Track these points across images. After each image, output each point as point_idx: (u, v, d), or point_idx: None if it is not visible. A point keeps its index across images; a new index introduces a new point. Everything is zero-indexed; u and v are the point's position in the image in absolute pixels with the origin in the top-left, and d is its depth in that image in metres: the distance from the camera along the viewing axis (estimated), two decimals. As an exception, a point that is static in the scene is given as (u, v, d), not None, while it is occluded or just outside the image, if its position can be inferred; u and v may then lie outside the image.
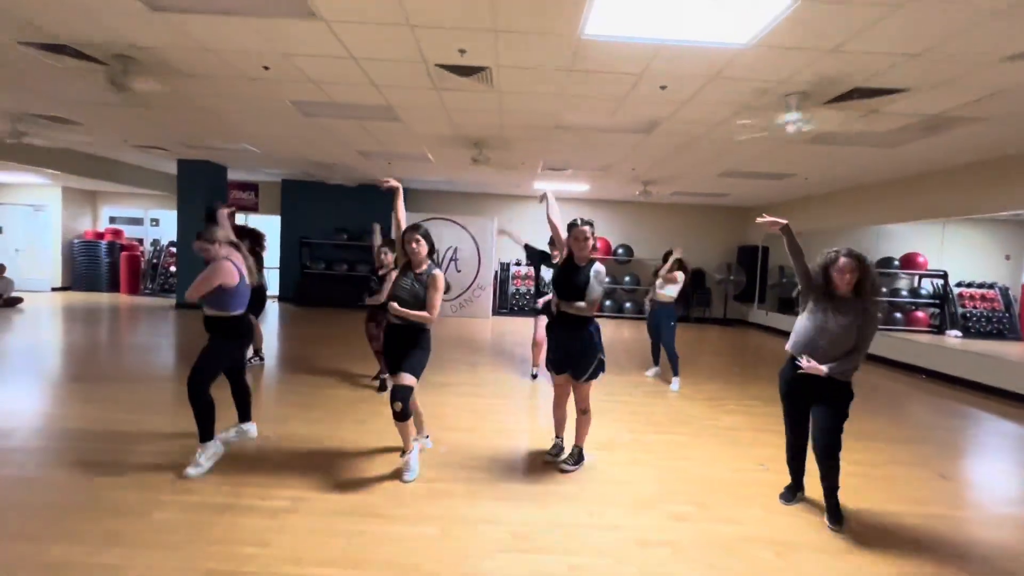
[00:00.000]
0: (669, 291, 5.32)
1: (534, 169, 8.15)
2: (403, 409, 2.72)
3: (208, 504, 2.46)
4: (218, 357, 2.96)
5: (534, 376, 5.29)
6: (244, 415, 3.31)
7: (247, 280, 3.02)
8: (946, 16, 2.81)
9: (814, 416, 2.66)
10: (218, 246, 2.95)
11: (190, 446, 2.94)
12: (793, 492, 2.86)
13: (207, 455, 2.84)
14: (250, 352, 5.35)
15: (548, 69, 3.90)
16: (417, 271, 2.89)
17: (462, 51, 3.63)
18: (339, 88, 4.61)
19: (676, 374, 5.32)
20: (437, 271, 2.92)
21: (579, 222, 3.00)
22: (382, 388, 4.60)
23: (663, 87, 4.14)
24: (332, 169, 9.18)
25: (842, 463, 2.62)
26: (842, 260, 2.52)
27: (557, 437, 3.31)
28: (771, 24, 3.00)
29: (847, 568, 2.24)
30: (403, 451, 2.96)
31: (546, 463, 3.17)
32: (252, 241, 4.89)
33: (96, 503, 2.41)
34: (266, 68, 4.18)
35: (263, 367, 5.34)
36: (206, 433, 2.85)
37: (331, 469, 2.92)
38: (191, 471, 2.75)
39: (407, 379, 2.76)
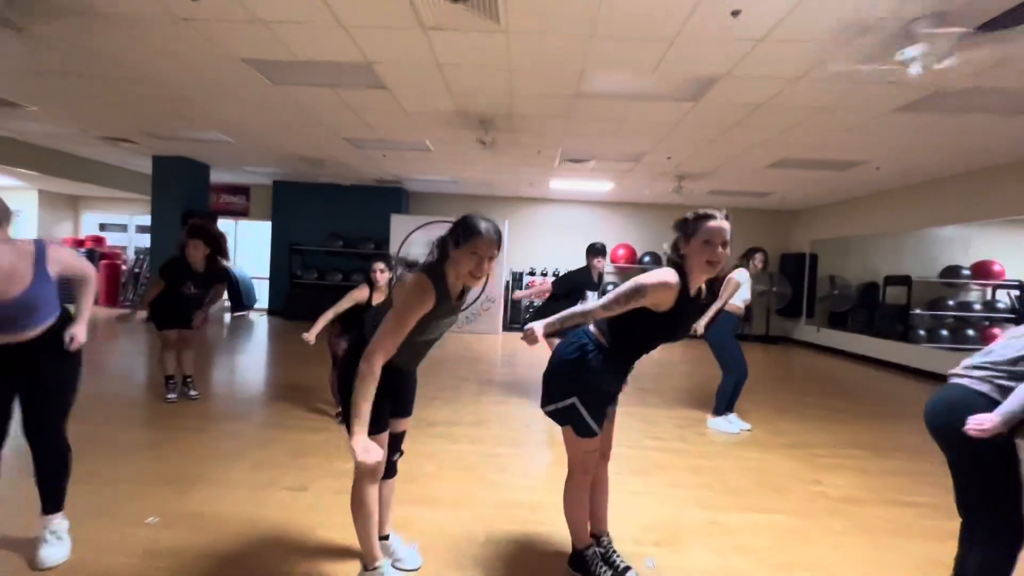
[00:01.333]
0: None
1: (551, 161, 7.00)
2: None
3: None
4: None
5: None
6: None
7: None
8: None
9: None
10: None
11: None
12: None
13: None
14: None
15: (575, -17, 2.76)
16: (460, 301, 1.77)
17: (451, -53, 2.51)
18: (295, 31, 3.52)
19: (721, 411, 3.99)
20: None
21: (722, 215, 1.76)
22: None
23: (735, 12, 2.96)
24: (322, 165, 8.15)
25: None
26: None
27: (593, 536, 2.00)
28: None
29: None
30: (364, 567, 1.77)
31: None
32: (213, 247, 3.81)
33: None
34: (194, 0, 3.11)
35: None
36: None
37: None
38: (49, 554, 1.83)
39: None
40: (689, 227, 1.74)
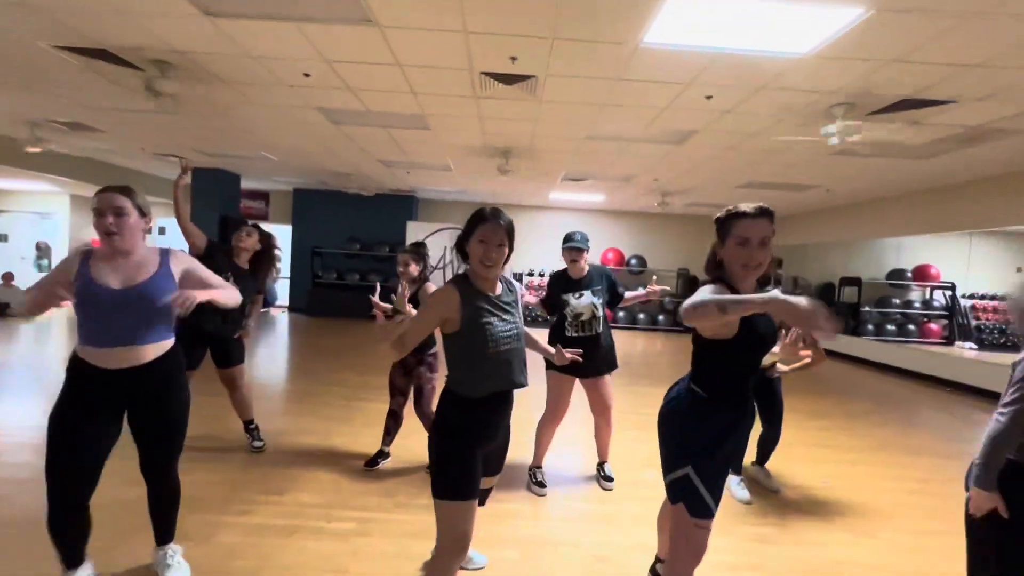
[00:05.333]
0: None
1: (554, 179, 8.12)
2: None
3: (272, 527, 2.34)
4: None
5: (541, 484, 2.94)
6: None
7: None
8: (1019, 26, 2.79)
9: None
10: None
11: (233, 460, 2.76)
12: None
13: None
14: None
15: (596, 79, 3.86)
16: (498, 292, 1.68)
17: (513, 59, 3.58)
18: (375, 95, 4.55)
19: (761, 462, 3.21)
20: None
21: None
22: (373, 463, 3.05)
23: (709, 97, 4.11)
24: (349, 178, 9.11)
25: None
26: None
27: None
28: (837, 34, 2.97)
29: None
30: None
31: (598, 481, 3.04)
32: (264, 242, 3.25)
33: (148, 524, 2.18)
34: (307, 75, 4.12)
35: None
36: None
37: (391, 488, 2.80)
38: None
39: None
40: (722, 227, 1.53)
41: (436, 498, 1.52)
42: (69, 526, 1.71)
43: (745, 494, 2.92)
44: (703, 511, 1.52)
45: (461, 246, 1.63)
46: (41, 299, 1.66)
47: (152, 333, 1.74)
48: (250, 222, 3.24)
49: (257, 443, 3.26)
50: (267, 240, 3.19)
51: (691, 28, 3.02)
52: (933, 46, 3.05)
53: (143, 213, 1.76)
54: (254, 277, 3.16)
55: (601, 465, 3.12)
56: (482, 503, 1.81)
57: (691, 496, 1.52)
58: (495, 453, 1.72)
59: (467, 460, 1.53)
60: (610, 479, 3.04)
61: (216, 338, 3.08)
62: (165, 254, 1.82)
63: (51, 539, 1.71)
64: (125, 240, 1.71)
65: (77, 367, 1.70)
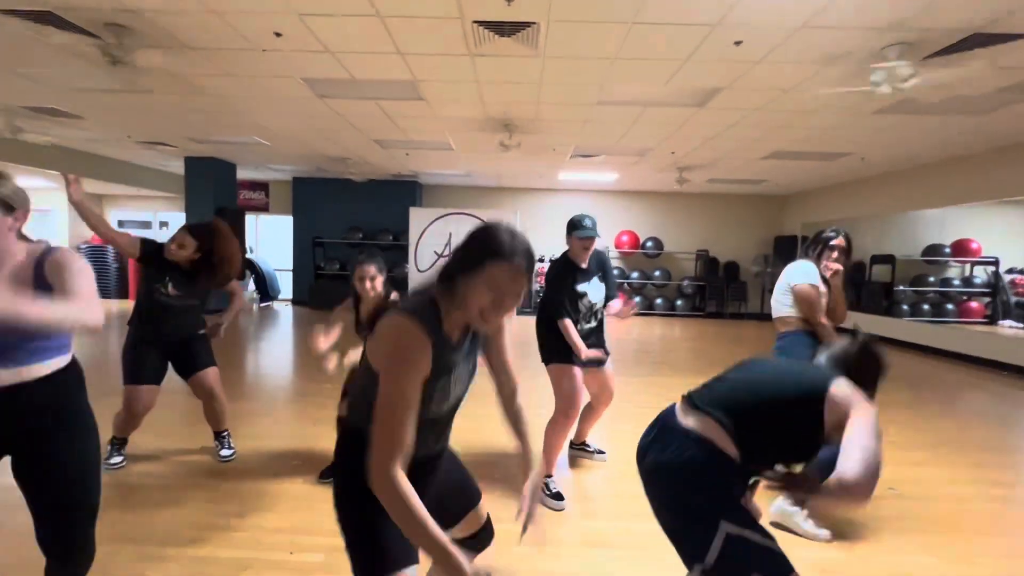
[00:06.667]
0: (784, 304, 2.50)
1: (563, 157, 7.57)
2: None
3: (221, 560, 1.92)
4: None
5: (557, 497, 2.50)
6: None
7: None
8: None
9: None
10: None
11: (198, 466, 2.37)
12: None
13: None
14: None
15: (606, 23, 3.33)
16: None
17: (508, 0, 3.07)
18: (358, 59, 4.06)
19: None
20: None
21: None
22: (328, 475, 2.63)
23: (738, 42, 3.55)
24: (346, 163, 8.66)
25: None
26: None
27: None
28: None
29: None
30: None
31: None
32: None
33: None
34: (278, 35, 3.65)
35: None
36: None
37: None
38: None
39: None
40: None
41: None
42: None
43: (823, 532, 2.20)
44: (776, 562, 1.16)
45: (451, 275, 1.07)
46: None
47: (36, 347, 1.28)
48: (187, 225, 2.67)
49: (225, 451, 2.85)
50: (207, 248, 2.57)
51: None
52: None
53: (9, 208, 1.25)
54: (202, 272, 2.61)
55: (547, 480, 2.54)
56: (482, 547, 1.36)
57: (751, 553, 1.15)
58: (446, 491, 1.24)
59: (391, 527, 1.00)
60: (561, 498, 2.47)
61: (172, 342, 2.67)
62: (42, 259, 1.30)
63: None
64: None
65: None
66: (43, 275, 1.27)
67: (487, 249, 1.04)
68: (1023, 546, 2.22)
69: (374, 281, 2.35)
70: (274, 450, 2.99)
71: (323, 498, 2.42)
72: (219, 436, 2.89)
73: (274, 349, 6.54)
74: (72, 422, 1.34)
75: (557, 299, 2.52)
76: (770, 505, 2.21)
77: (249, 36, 3.69)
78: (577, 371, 2.49)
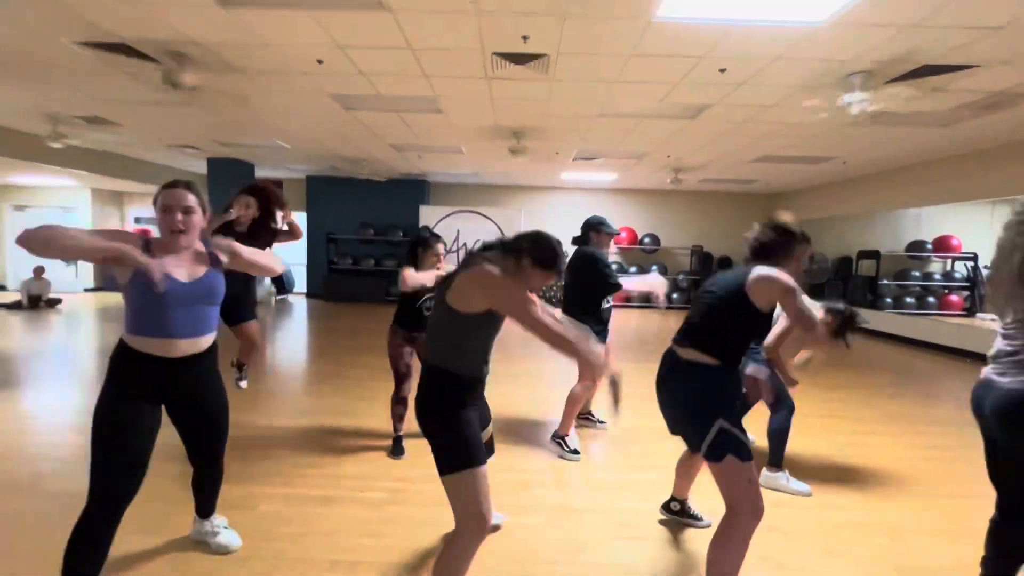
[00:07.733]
0: None
1: (566, 159, 8.09)
2: None
3: (310, 497, 2.47)
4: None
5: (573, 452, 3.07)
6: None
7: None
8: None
9: None
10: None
11: (274, 438, 2.90)
12: None
13: None
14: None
15: (609, 55, 3.84)
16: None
17: (525, 38, 3.58)
18: (387, 79, 4.58)
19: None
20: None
21: None
22: (399, 452, 3.00)
23: (722, 70, 4.07)
24: (361, 164, 9.17)
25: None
26: None
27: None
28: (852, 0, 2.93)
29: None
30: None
31: (623, 456, 3.14)
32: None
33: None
34: (320, 62, 4.16)
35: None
36: None
37: (417, 461, 2.91)
38: None
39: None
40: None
41: (446, 474, 1.47)
42: (103, 535, 1.61)
43: (804, 487, 2.68)
44: (749, 453, 1.66)
45: (517, 254, 1.58)
46: (107, 250, 1.51)
47: (210, 325, 1.78)
48: (238, 191, 3.27)
49: (243, 382, 3.75)
50: (263, 200, 3.29)
51: (705, 0, 3.00)
52: (951, 8, 2.99)
53: (205, 210, 1.77)
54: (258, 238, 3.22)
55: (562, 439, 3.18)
56: (491, 451, 1.82)
57: (735, 444, 1.65)
58: (485, 410, 1.78)
59: (470, 424, 1.52)
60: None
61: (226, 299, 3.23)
62: (206, 245, 1.78)
63: (67, 559, 1.56)
64: (190, 237, 1.72)
65: (128, 357, 1.66)
66: (216, 255, 1.77)
67: (553, 258, 1.59)
68: (936, 491, 2.78)
69: (439, 257, 2.89)
70: (324, 422, 3.54)
71: (377, 454, 2.99)
72: (239, 365, 3.72)
73: (298, 338, 7.08)
74: (217, 377, 1.90)
75: (613, 273, 3.02)
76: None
77: (292, 62, 4.20)
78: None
